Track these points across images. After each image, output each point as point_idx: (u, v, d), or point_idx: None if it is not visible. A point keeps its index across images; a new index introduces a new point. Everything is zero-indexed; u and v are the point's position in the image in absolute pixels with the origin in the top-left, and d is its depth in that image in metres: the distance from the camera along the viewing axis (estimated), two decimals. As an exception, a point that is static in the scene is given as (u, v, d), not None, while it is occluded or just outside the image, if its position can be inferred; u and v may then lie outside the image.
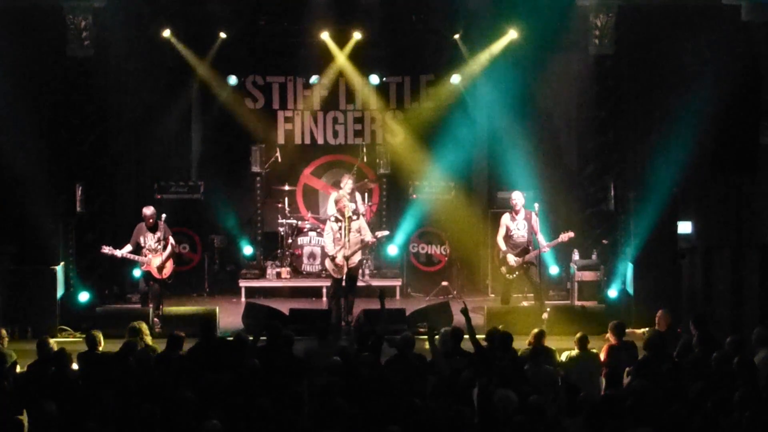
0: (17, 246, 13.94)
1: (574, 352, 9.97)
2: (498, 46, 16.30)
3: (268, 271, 16.37)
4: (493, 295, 15.82)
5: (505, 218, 13.80)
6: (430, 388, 8.85)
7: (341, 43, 16.81)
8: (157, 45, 16.18)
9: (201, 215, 16.62)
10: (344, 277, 13.38)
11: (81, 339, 12.23)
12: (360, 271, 14.37)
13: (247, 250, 17.00)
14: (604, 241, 15.01)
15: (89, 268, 14.69)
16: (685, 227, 14.83)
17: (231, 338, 10.59)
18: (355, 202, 14.89)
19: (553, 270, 15.39)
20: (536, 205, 13.71)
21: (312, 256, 16.36)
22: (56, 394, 8.28)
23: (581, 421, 7.76)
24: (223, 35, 16.46)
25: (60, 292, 13.84)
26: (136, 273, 13.76)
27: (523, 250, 13.62)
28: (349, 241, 13.27)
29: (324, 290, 15.37)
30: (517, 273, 13.71)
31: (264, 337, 10.19)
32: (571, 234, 13.61)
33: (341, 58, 16.94)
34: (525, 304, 14.68)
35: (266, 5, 16.42)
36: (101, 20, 14.80)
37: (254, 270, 16.60)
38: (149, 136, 16.84)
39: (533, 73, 16.40)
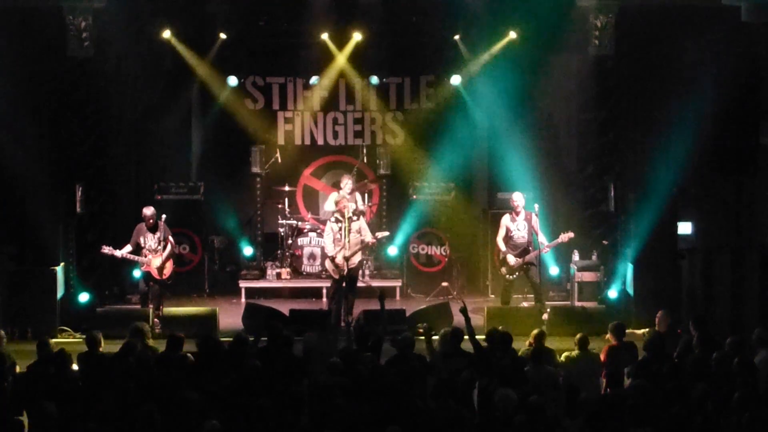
0: (17, 246, 13.95)
1: (574, 352, 9.96)
2: (498, 46, 16.30)
3: (268, 271, 16.36)
4: (493, 296, 15.81)
5: (505, 219, 13.80)
6: (430, 388, 8.86)
7: (341, 43, 16.79)
8: (157, 45, 16.18)
9: (201, 216, 16.60)
10: (344, 278, 13.39)
11: (81, 340, 12.23)
12: (360, 271, 14.37)
13: (247, 250, 16.99)
14: (604, 242, 15.01)
15: (89, 269, 14.67)
16: (685, 228, 14.84)
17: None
18: (355, 203, 14.88)
19: (553, 271, 15.38)
20: (536, 205, 13.70)
21: (312, 256, 16.35)
22: (56, 395, 8.28)
23: (581, 422, 7.76)
24: (223, 36, 16.45)
25: (60, 292, 13.82)
26: (136, 273, 13.74)
27: (523, 250, 13.62)
28: (349, 241, 13.28)
29: (324, 291, 15.37)
30: (517, 273, 13.71)
31: (264, 338, 10.20)
32: (571, 234, 13.61)
33: (341, 59, 16.93)
34: (525, 304, 14.69)
35: (266, 6, 16.40)
36: (101, 20, 14.78)
37: (254, 271, 16.60)
38: (149, 136, 16.84)
39: (533, 74, 16.40)
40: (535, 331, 10.15)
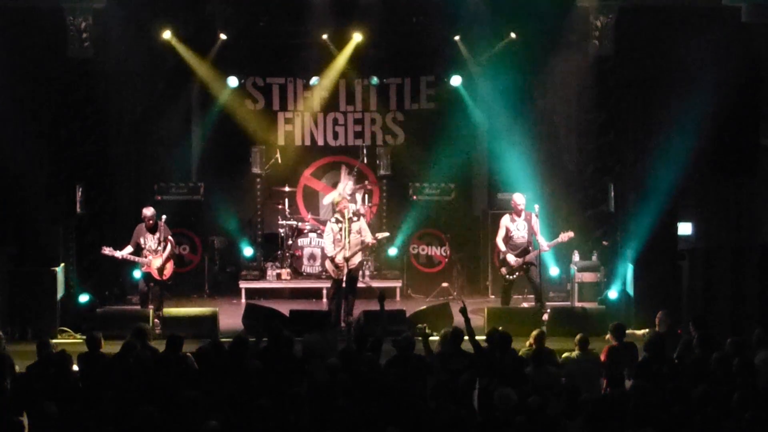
0: (17, 247, 13.93)
1: (575, 353, 9.96)
2: (498, 46, 16.30)
3: (269, 272, 16.36)
4: (493, 296, 15.81)
5: (505, 219, 13.81)
6: (430, 388, 8.86)
7: (341, 44, 16.79)
8: (158, 46, 16.17)
9: (201, 216, 16.60)
10: (344, 279, 13.39)
11: (81, 340, 12.23)
12: (360, 272, 14.37)
13: (248, 251, 16.99)
14: (604, 243, 15.01)
15: (89, 270, 14.66)
16: (685, 228, 14.83)
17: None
18: (355, 202, 14.87)
19: (554, 271, 15.36)
20: (536, 206, 13.70)
21: (312, 257, 16.35)
22: (57, 396, 8.28)
23: (581, 422, 7.76)
24: (223, 36, 16.44)
25: (60, 293, 13.81)
26: (136, 274, 13.74)
27: (523, 250, 13.63)
28: (349, 242, 13.28)
29: (324, 291, 15.37)
30: (517, 273, 13.71)
31: (265, 339, 10.21)
32: (571, 234, 13.62)
33: (341, 60, 16.93)
34: (525, 305, 14.70)
35: (266, 6, 16.40)
36: (101, 21, 14.77)
37: (254, 271, 16.60)
38: (149, 137, 16.84)
39: (533, 74, 16.41)
40: (535, 332, 10.13)
